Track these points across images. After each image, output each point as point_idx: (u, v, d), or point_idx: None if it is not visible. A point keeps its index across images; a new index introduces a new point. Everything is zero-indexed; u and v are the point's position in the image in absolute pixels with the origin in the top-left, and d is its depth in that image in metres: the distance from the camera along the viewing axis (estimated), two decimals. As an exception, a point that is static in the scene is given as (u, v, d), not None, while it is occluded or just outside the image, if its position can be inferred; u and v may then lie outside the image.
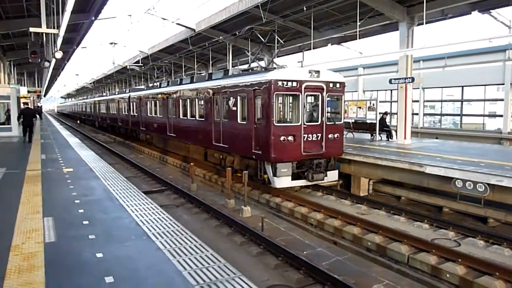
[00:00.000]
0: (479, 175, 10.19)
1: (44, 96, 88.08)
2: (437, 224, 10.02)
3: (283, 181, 12.18)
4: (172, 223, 6.61)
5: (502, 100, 22.61)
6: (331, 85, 12.65)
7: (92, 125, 50.64)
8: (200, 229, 9.95)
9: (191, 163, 15.95)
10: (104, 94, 51.84)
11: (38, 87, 54.50)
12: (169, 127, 20.65)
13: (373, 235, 9.24)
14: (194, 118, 17.46)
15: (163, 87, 22.59)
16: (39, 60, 14.54)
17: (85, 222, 6.67)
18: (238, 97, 13.43)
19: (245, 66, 18.24)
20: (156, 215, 7.12)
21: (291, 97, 12.48)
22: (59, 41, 14.39)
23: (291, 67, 13.89)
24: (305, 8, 18.11)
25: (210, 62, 32.72)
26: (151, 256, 5.19)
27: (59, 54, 14.18)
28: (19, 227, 6.44)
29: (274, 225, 10.74)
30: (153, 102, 23.51)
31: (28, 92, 38.58)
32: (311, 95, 12.65)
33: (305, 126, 12.20)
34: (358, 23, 17.01)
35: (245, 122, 13.14)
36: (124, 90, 37.37)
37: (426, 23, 15.25)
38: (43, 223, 6.61)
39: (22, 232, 6.16)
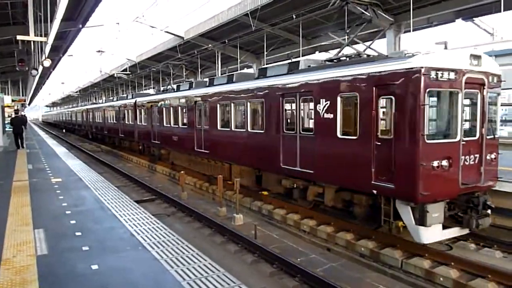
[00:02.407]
0: None
1: (29, 105, 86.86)
2: None
3: (433, 232, 8.08)
4: (167, 233, 6.54)
5: None
6: (490, 78, 8.59)
7: (83, 136, 45.11)
8: (193, 238, 9.85)
9: (181, 171, 15.81)
10: (99, 101, 46.72)
11: (23, 95, 53.67)
12: (198, 141, 16.21)
13: None
14: (243, 130, 13.13)
15: (184, 90, 18.49)
16: (26, 69, 14.32)
17: (78, 233, 6.55)
18: (338, 99, 9.23)
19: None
20: (150, 225, 7.03)
21: (445, 97, 8.39)
22: (47, 49, 14.21)
23: (441, 49, 9.57)
24: (294, 16, 18.27)
25: (199, 70, 32.71)
26: (148, 266, 5.12)
27: (47, 62, 14.02)
28: (9, 239, 6.29)
29: (267, 232, 10.69)
30: (172, 109, 18.99)
31: (12, 101, 37.96)
32: (469, 94, 8.50)
33: (463, 142, 8.12)
34: (347, 31, 17.18)
35: (353, 138, 8.98)
36: (126, 95, 31.83)
37: (412, 30, 15.53)
38: (34, 235, 6.48)
39: (12, 245, 6.01)
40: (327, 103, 9.58)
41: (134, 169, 22.46)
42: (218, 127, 14.67)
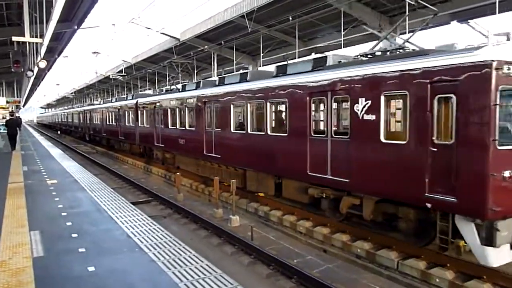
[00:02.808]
0: None
1: (23, 106, 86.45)
2: None
3: (502, 253, 7.00)
4: (164, 234, 6.53)
5: None
6: None
7: (80, 138, 44.01)
8: (190, 240, 9.83)
9: (177, 173, 15.78)
10: (97, 102, 44.37)
11: (17, 97, 53.38)
12: (208, 145, 14.95)
13: None
14: (262, 133, 12.03)
15: (190, 90, 17.25)
16: (22, 70, 14.26)
17: (74, 235, 6.52)
18: (382, 98, 8.16)
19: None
20: (146, 226, 7.02)
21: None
22: (43, 50, 14.15)
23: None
24: (290, 18, 18.32)
25: (195, 71, 32.70)
26: (145, 268, 5.11)
27: (43, 64, 13.95)
28: (4, 241, 6.25)
29: (263, 234, 10.70)
30: (178, 110, 17.70)
31: (7, 102, 37.75)
32: None
33: None
34: (342, 33, 17.29)
35: (401, 143, 7.85)
36: (125, 96, 30.67)
37: (408, 32, 15.59)
38: (29, 237, 6.45)
39: (8, 247, 5.98)
40: (367, 103, 8.42)
41: (129, 171, 22.39)
42: (232, 130, 13.44)
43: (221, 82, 14.92)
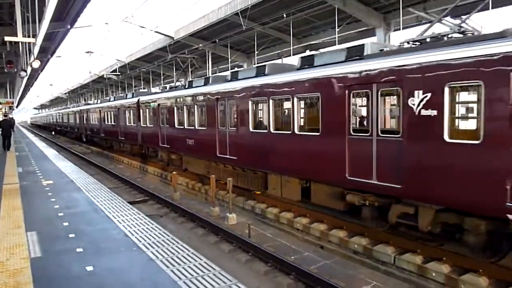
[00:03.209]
0: None
1: (17, 107, 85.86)
2: None
3: None
4: (161, 233, 6.54)
5: None
6: None
7: (77, 139, 42.61)
8: (187, 238, 9.84)
9: (173, 172, 15.75)
10: (94, 101, 42.44)
11: (11, 98, 52.99)
12: (221, 145, 13.67)
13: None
14: (288, 132, 10.74)
15: (198, 86, 15.91)
16: (15, 70, 14.16)
17: (71, 235, 6.51)
18: (447, 90, 6.95)
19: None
20: (144, 225, 7.01)
21: None
22: (36, 50, 14.06)
23: None
24: (284, 15, 18.33)
25: (189, 70, 32.64)
26: (144, 267, 5.11)
27: (36, 64, 13.86)
28: (1, 242, 6.24)
29: (260, 231, 10.72)
30: (185, 108, 16.41)
31: (0, 103, 37.49)
32: None
33: None
34: (337, 30, 17.33)
35: (473, 142, 6.67)
36: (125, 94, 29.12)
37: (402, 29, 15.68)
38: (26, 237, 6.43)
39: (5, 248, 5.96)
40: (426, 96, 7.25)
41: (125, 171, 22.33)
42: (250, 129, 12.21)
43: (234, 77, 13.61)
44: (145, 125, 21.15)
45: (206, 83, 15.58)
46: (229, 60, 25.96)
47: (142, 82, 40.46)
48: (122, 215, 7.73)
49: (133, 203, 13.25)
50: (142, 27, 23.48)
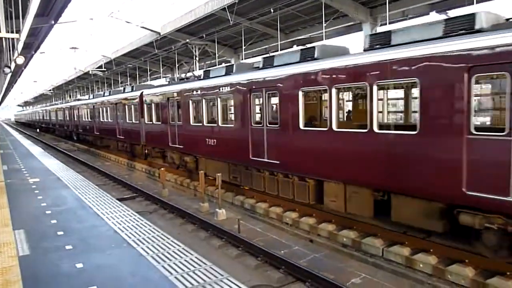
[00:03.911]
0: None
1: (0, 104, 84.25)
2: None
3: None
4: (151, 229, 6.52)
5: None
6: None
7: (67, 138, 40.22)
8: (177, 234, 9.83)
9: (162, 168, 15.67)
10: (86, 96, 38.54)
11: (-7, 95, 51.96)
12: (256, 147, 11.47)
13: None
14: (363, 130, 8.50)
15: (218, 76, 13.65)
16: (-2, 67, 13.85)
17: (60, 233, 6.45)
18: None
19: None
20: (133, 222, 6.99)
21: None
22: (20, 46, 13.78)
23: None
24: (272, 10, 18.29)
25: (176, 65, 32.41)
26: (135, 263, 5.10)
27: (20, 59, 13.58)
28: (-12, 241, 6.14)
29: (250, 226, 10.76)
30: (205, 102, 14.05)
31: (-17, 100, 36.74)
32: None
33: None
34: (324, 25, 17.38)
35: None
36: (123, 88, 25.71)
37: (389, 23, 15.81)
38: (14, 236, 6.35)
39: (-8, 247, 5.88)
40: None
41: (112, 168, 22.14)
42: (301, 126, 10.00)
43: (269, 64, 11.39)
44: (150, 122, 18.82)
45: (228, 72, 13.32)
46: (217, 55, 25.84)
47: (128, 79, 40.02)
48: (111, 212, 7.68)
49: (122, 200, 13.18)
50: (128, 22, 23.21)
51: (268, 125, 11.17)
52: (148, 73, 36.99)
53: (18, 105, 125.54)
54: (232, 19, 18.78)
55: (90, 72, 36.94)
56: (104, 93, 29.01)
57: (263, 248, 8.49)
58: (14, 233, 6.49)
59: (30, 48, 26.17)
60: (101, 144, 29.09)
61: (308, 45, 13.25)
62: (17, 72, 41.83)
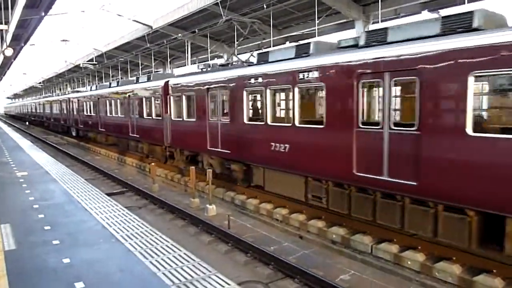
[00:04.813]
0: None
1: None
2: None
3: None
4: (140, 225, 6.48)
5: None
6: None
7: (64, 133, 36.50)
8: (167, 230, 9.78)
9: (152, 163, 15.57)
10: (88, 88, 33.38)
11: (-18, 87, 51.17)
12: (363, 157, 8.09)
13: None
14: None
15: (284, 60, 10.40)
16: (-14, 58, 13.62)
17: (47, 227, 6.38)
18: None
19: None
20: (122, 217, 6.93)
21: None
22: (9, 38, 13.57)
23: None
24: (265, 6, 18.24)
25: (168, 60, 32.21)
26: (122, 258, 5.06)
27: (9, 51, 13.39)
28: (-27, 236, 6.05)
29: (240, 222, 10.75)
30: (271, 93, 10.78)
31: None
32: None
33: None
34: (317, 21, 17.38)
35: None
36: (135, 79, 21.77)
37: (381, 21, 15.86)
38: (0, 230, 6.25)
39: (-23, 241, 5.80)
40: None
41: (102, 162, 21.96)
42: (469, 132, 6.40)
43: (381, 40, 8.17)
44: (179, 119, 15.30)
45: (299, 53, 10.15)
46: (209, 50, 25.72)
47: (120, 72, 39.69)
48: (99, 207, 7.61)
49: (111, 195, 13.06)
50: (120, 15, 22.98)
51: (392, 128, 7.61)
52: (140, 67, 36.71)
53: (8, 98, 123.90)
54: (224, 14, 18.68)
55: (81, 65, 36.54)
56: (110, 83, 25.44)
57: (252, 244, 8.49)
58: (0, 227, 6.40)
59: (19, 40, 25.76)
60: (106, 142, 25.59)
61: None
62: (6, 64, 41.22)
